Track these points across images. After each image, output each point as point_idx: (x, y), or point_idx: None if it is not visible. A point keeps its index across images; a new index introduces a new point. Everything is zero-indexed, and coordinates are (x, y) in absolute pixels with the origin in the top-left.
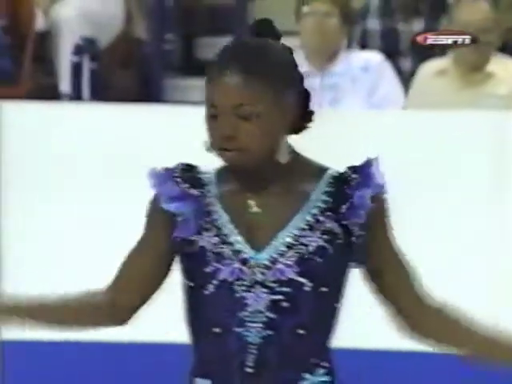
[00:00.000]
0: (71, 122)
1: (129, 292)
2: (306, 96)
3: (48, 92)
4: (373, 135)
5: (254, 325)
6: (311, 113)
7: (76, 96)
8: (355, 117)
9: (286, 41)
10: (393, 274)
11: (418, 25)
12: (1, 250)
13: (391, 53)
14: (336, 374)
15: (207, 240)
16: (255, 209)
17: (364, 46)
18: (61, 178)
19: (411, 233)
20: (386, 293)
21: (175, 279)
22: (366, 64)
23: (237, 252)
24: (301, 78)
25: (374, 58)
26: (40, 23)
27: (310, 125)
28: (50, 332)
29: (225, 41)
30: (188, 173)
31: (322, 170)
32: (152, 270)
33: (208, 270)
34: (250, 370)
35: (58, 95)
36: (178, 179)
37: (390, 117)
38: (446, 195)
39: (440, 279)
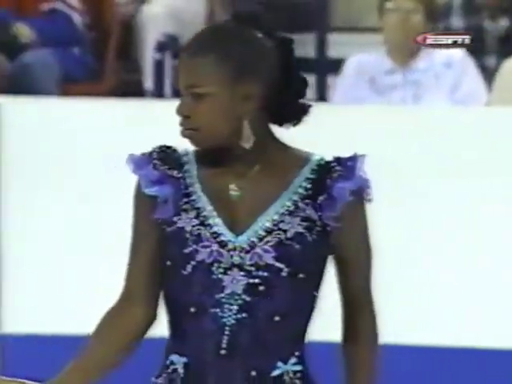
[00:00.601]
0: (76, 119)
1: (145, 287)
2: (290, 88)
3: (132, 89)
4: (455, 132)
5: (230, 307)
6: (302, 107)
7: (158, 93)
8: (438, 113)
9: (368, 37)
10: (351, 270)
11: (504, 22)
12: (1, 250)
13: (475, 50)
14: (308, 364)
15: (186, 221)
16: (236, 192)
17: None
18: (61, 178)
19: (488, 229)
20: (339, 281)
21: None
22: (449, 60)
23: (215, 234)
24: (274, 69)
25: (456, 54)
26: (124, 20)
27: (303, 118)
28: (49, 325)
29: (306, 38)
30: (166, 154)
31: (308, 157)
32: (155, 253)
33: (186, 250)
34: (223, 352)
35: (142, 92)
36: (157, 162)
37: (473, 113)
38: None
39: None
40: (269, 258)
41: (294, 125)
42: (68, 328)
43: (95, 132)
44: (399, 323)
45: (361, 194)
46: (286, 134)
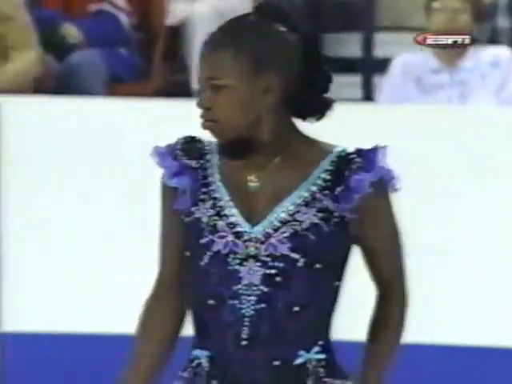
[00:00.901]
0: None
1: (178, 274)
2: (314, 83)
3: (179, 89)
4: (502, 131)
5: (248, 298)
6: (325, 102)
7: None
8: (484, 113)
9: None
10: (377, 258)
11: None
12: (1, 249)
13: None
14: (334, 352)
15: (203, 212)
16: (254, 183)
17: (493, 43)
18: (61, 177)
19: None
20: (368, 268)
21: None
22: (496, 59)
23: (231, 225)
24: (296, 63)
25: (503, 53)
26: (171, 20)
27: (326, 113)
28: (49, 324)
29: (352, 37)
30: (189, 145)
31: (329, 149)
32: (181, 242)
33: (203, 241)
34: (244, 343)
35: (190, 92)
36: (179, 153)
37: None
38: None
39: None
40: (284, 249)
41: (318, 119)
42: (68, 327)
43: (141, 131)
44: (433, 323)
45: (382, 185)
46: (329, 134)
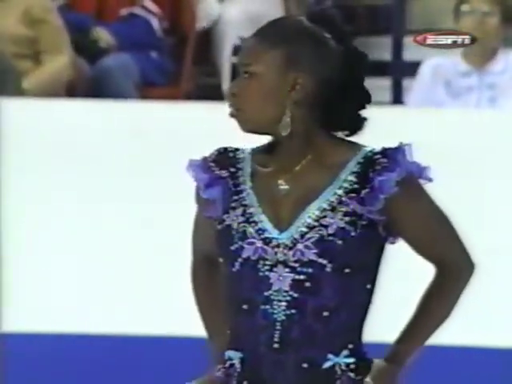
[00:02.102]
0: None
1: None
2: (348, 97)
3: (210, 93)
4: None
5: (279, 303)
6: (359, 119)
7: None
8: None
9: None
10: (422, 248)
11: None
12: (1, 249)
13: None
14: (364, 356)
15: (233, 219)
16: (284, 189)
17: None
18: (61, 176)
19: None
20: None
21: (176, 278)
22: None
23: (260, 231)
24: (333, 72)
25: None
26: (202, 24)
27: (357, 132)
28: (49, 324)
29: (383, 41)
30: (221, 155)
31: (356, 150)
32: (210, 246)
33: (233, 247)
34: (275, 346)
35: (220, 95)
36: (211, 164)
37: None
38: None
39: None
40: (311, 255)
41: (348, 135)
42: (68, 327)
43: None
44: (466, 325)
45: (411, 182)
46: (358, 137)
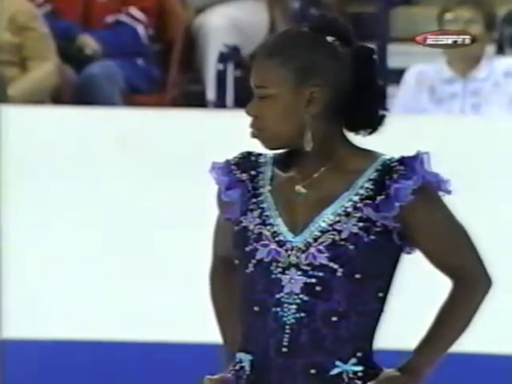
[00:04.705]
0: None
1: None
2: (366, 96)
3: (195, 99)
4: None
5: (289, 306)
6: (377, 116)
7: (221, 103)
8: (497, 123)
9: (428, 47)
10: (437, 259)
11: None
12: (1, 255)
13: None
14: (373, 364)
15: (250, 221)
16: (301, 193)
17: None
18: (62, 180)
19: None
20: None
21: (175, 281)
22: (509, 69)
23: (275, 234)
24: (346, 76)
25: None
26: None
27: (378, 128)
28: (49, 331)
29: None
30: (243, 159)
31: (375, 157)
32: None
33: (247, 249)
34: (284, 350)
35: (205, 103)
36: (233, 167)
37: None
38: None
39: None
40: (322, 259)
41: (370, 133)
42: (69, 333)
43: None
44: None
45: (428, 190)
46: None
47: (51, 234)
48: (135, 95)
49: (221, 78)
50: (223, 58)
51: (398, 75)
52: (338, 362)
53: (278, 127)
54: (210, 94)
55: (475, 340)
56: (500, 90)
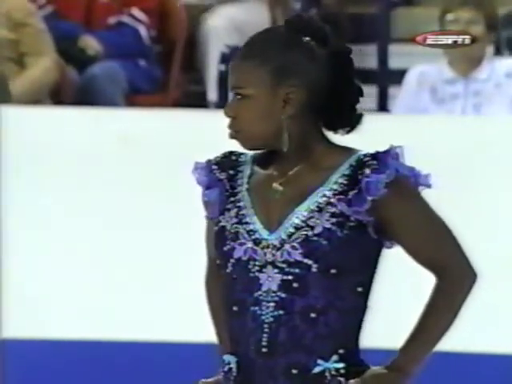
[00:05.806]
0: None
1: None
2: (343, 96)
3: (197, 100)
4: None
5: (268, 304)
6: (355, 115)
7: (222, 104)
8: (498, 123)
9: (430, 48)
10: (415, 251)
11: None
12: (1, 250)
13: None
14: (357, 361)
15: (227, 220)
16: (277, 191)
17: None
18: (63, 180)
19: None
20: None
21: (174, 281)
22: (510, 70)
23: (251, 232)
24: (323, 76)
25: None
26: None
27: (356, 127)
28: (50, 331)
29: (369, 49)
30: (224, 158)
31: (349, 153)
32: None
33: (225, 248)
34: (264, 350)
35: (206, 103)
36: (214, 167)
37: None
38: None
39: None
40: (297, 255)
41: (348, 132)
42: (69, 333)
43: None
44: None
45: (402, 184)
46: (345, 144)
47: (51, 234)
48: (137, 96)
49: (222, 78)
50: (225, 59)
51: (399, 76)
52: (319, 361)
53: (255, 128)
54: (212, 94)
55: (475, 340)
56: (501, 90)
